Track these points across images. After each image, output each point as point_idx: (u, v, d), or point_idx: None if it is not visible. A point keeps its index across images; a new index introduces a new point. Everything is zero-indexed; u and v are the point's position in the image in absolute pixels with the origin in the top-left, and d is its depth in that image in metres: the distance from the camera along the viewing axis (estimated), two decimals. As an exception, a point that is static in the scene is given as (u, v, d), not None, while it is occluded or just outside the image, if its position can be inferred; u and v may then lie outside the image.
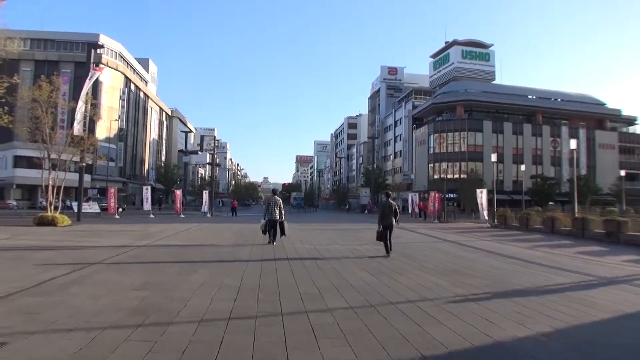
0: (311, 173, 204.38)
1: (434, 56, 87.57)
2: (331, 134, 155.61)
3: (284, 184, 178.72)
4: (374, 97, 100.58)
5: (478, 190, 30.65)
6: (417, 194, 44.83)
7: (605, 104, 75.73)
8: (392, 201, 13.04)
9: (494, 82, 78.66)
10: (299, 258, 11.48)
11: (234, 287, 7.29)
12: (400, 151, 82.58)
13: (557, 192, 62.44)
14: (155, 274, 8.35)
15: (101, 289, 6.82)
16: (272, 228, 15.15)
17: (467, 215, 39.71)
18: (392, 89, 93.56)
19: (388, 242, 12.48)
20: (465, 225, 31.33)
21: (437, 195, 35.90)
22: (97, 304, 5.89)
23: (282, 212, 15.36)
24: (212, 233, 20.04)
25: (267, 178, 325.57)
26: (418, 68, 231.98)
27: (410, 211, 45.06)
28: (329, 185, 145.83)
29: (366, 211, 57.77)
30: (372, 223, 29.89)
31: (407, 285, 7.95)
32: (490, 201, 30.10)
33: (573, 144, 23.91)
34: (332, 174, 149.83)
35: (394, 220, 12.63)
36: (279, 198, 15.83)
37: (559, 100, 73.94)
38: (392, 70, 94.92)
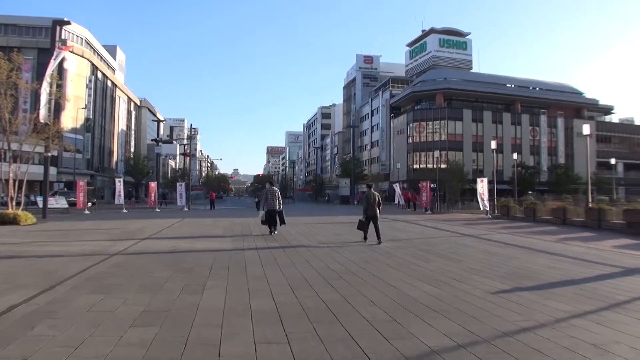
0: (283, 164, 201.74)
1: (410, 45, 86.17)
2: (304, 125, 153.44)
3: (257, 175, 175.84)
4: (349, 86, 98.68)
5: (479, 180, 29.14)
6: (398, 184, 42.97)
7: (583, 94, 75.76)
8: (374, 192, 13.77)
9: (472, 71, 77.76)
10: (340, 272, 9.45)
11: (269, 312, 5.23)
12: (378, 141, 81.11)
13: (537, 181, 62.05)
14: (155, 294, 6.15)
15: (83, 327, 4.56)
16: (272, 218, 15.47)
17: (450, 205, 38.20)
18: (368, 77, 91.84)
19: (376, 230, 13.22)
20: (462, 216, 29.84)
21: (428, 185, 34.31)
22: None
23: (281, 201, 15.66)
24: (201, 230, 17.74)
25: (237, 170, 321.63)
26: (393, 57, 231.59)
27: (396, 202, 43.45)
28: (302, 177, 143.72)
29: (356, 202, 55.24)
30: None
31: (492, 301, 5.96)
32: (490, 191, 28.59)
33: (586, 129, 22.29)
34: (305, 165, 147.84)
35: (377, 210, 13.40)
36: (276, 188, 16.20)
37: (537, 89, 73.54)
38: (368, 59, 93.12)
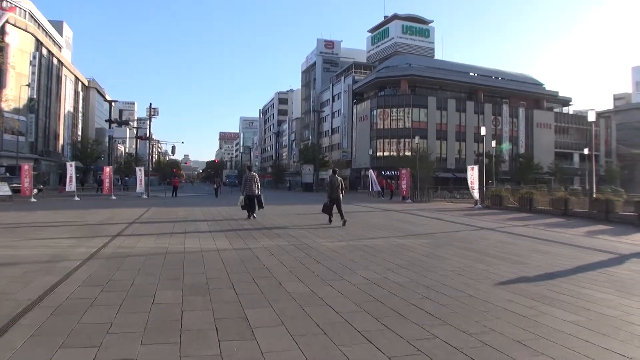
0: (237, 150, 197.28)
1: (372, 30, 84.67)
2: (259, 110, 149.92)
3: (213, 161, 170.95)
4: (309, 71, 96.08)
5: (469, 167, 27.62)
6: (374, 171, 41.13)
7: (543, 85, 76.46)
8: (338, 177, 14.75)
9: (434, 58, 77.03)
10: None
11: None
12: (339, 127, 79.19)
13: (499, 170, 62.01)
14: (189, 348, 3.89)
15: None
16: (252, 202, 15.90)
17: (423, 193, 36.74)
18: (329, 63, 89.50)
19: (340, 212, 14.39)
20: (449, 205, 28.34)
21: (408, 172, 32.62)
22: None
23: (259, 186, 16.28)
24: (178, 222, 15.16)
25: (188, 155, 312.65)
26: (354, 43, 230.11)
27: (370, 189, 41.72)
28: (257, 163, 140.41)
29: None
30: (356, 204, 26.59)
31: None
32: (480, 180, 27.17)
33: (592, 116, 21.03)
34: (260, 151, 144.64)
35: (340, 194, 14.51)
36: (255, 174, 16.62)
37: (500, 79, 73.58)
38: (329, 44, 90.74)
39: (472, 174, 26.59)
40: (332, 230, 13.00)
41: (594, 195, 19.38)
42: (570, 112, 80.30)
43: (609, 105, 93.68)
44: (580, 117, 79.73)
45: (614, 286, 6.37)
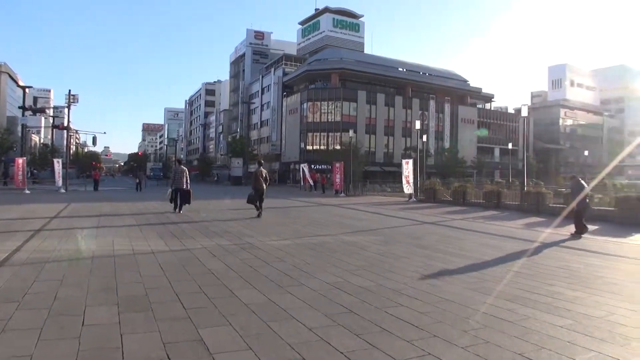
0: (161, 142, 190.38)
1: (303, 23, 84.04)
2: (186, 101, 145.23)
3: (136, 154, 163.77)
4: (238, 62, 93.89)
5: (404, 161, 27.67)
6: (307, 165, 40.49)
7: (467, 81, 79.03)
8: (263, 169, 15.06)
9: (364, 53, 77.62)
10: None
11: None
12: (268, 120, 78.04)
13: (426, 164, 63.50)
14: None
15: None
16: (180, 197, 15.51)
17: (355, 187, 36.73)
18: (259, 54, 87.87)
19: (260, 202, 14.72)
20: (384, 199, 28.42)
21: (342, 166, 32.34)
22: None
23: (188, 180, 15.79)
24: (106, 219, 13.72)
25: (109, 147, 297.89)
26: (285, 35, 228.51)
27: (302, 183, 41.14)
28: (182, 155, 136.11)
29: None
30: (290, 199, 25.93)
31: None
32: (415, 173, 27.26)
33: (524, 111, 21.55)
34: (186, 144, 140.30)
35: (265, 185, 14.78)
36: (184, 167, 16.27)
37: (427, 74, 75.26)
38: (259, 35, 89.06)
39: (407, 168, 26.70)
40: (274, 227, 12.31)
41: (526, 189, 19.87)
42: (492, 109, 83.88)
43: (527, 102, 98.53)
44: (501, 113, 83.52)
45: (578, 282, 6.34)
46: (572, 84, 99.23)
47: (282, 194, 32.55)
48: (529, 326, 4.21)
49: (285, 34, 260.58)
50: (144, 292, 5.20)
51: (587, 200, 12.56)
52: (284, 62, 76.56)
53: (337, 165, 32.59)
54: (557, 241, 10.73)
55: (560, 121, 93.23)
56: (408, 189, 26.58)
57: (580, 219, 11.72)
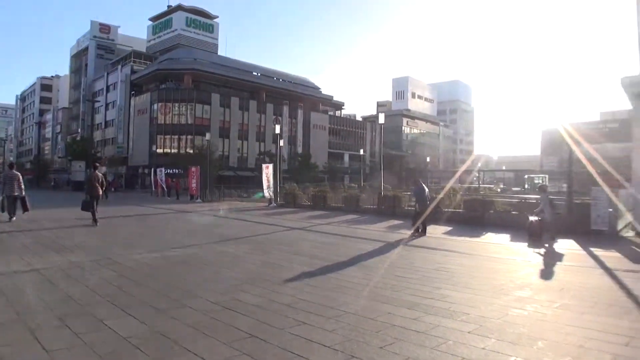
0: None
1: (154, 19, 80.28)
2: (17, 96, 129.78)
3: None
4: (80, 55, 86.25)
5: (264, 166, 27.40)
6: (162, 169, 38.04)
7: (320, 89, 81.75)
8: (98, 172, 14.46)
9: (218, 55, 76.38)
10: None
11: None
12: (114, 120, 72.92)
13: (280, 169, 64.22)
14: None
15: None
16: (11, 204, 14.26)
17: (212, 192, 35.77)
18: (104, 49, 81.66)
19: (94, 209, 13.75)
20: (240, 204, 27.86)
21: (198, 170, 31.10)
22: None
23: (22, 186, 14.54)
24: None
25: None
26: (133, 31, 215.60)
27: (154, 189, 38.70)
28: (12, 158, 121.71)
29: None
30: (144, 206, 23.98)
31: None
32: (275, 178, 27.09)
33: (381, 118, 22.49)
34: (17, 144, 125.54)
35: (100, 190, 14.07)
36: (18, 173, 14.77)
37: (281, 80, 76.31)
38: (105, 28, 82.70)
39: (268, 172, 26.61)
40: (135, 238, 11.48)
41: (383, 193, 20.76)
42: (342, 116, 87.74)
43: (373, 111, 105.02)
44: (350, 121, 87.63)
45: (459, 283, 6.68)
46: (413, 95, 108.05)
47: (133, 201, 30.68)
48: (441, 335, 4.24)
49: (135, 30, 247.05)
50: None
51: (429, 203, 13.46)
52: (132, 59, 72.18)
53: (194, 169, 31.35)
54: (424, 243, 11.35)
55: (403, 129, 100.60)
56: (268, 194, 26.45)
57: (420, 219, 12.58)
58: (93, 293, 5.67)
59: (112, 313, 4.81)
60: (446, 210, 17.25)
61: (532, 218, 11.60)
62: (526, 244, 11.12)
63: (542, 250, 10.31)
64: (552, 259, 9.34)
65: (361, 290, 6.10)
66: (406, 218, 17.79)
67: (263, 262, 8.24)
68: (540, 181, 49.74)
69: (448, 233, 13.72)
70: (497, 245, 11.55)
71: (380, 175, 22.58)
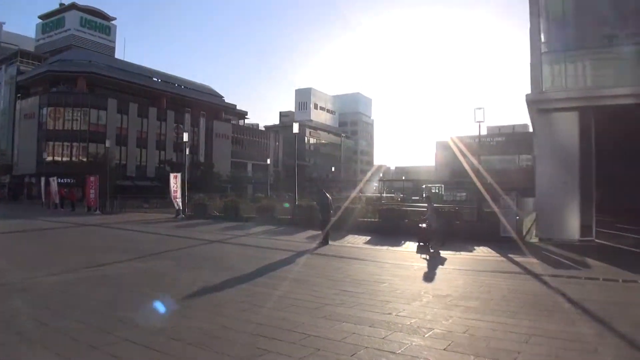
0: None
1: (44, 17, 75.23)
2: None
3: None
4: (-47, 52, 78.59)
5: (172, 175, 26.75)
6: (55, 179, 35.36)
7: (223, 97, 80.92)
8: None
9: (115, 58, 73.12)
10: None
11: None
12: (-4, 124, 67.13)
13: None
14: None
15: None
16: None
17: (112, 204, 34.17)
18: (-15, 46, 75.10)
19: None
20: (145, 216, 26.87)
21: (97, 180, 29.60)
22: None
23: None
24: None
25: None
26: (19, 28, 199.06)
27: (45, 199, 36.01)
28: None
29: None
30: (38, 219, 22.11)
31: None
32: (184, 188, 26.48)
33: (295, 127, 22.65)
34: None
35: None
36: None
37: (183, 87, 74.67)
38: (-15, 23, 76.22)
39: (175, 182, 26.09)
40: (38, 257, 10.52)
41: (298, 204, 21.14)
42: (245, 125, 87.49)
43: (276, 120, 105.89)
44: (254, 130, 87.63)
45: (403, 295, 6.92)
46: (315, 106, 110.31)
47: (23, 213, 27.94)
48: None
49: (22, 28, 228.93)
50: None
51: (332, 211, 14.16)
52: (18, 58, 66.99)
53: (92, 179, 29.76)
54: (351, 253, 11.93)
55: (306, 139, 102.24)
56: (176, 204, 25.90)
57: (326, 227, 13.30)
58: (6, 330, 4.88)
59: (30, 353, 4.18)
60: (362, 219, 17.89)
61: (422, 225, 12.55)
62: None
63: (428, 256, 11.29)
64: (438, 262, 10.39)
65: (314, 309, 5.97)
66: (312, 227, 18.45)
67: (193, 280, 7.85)
68: (437, 190, 53.16)
69: (369, 242, 14.31)
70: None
71: (284, 185, 23.05)
